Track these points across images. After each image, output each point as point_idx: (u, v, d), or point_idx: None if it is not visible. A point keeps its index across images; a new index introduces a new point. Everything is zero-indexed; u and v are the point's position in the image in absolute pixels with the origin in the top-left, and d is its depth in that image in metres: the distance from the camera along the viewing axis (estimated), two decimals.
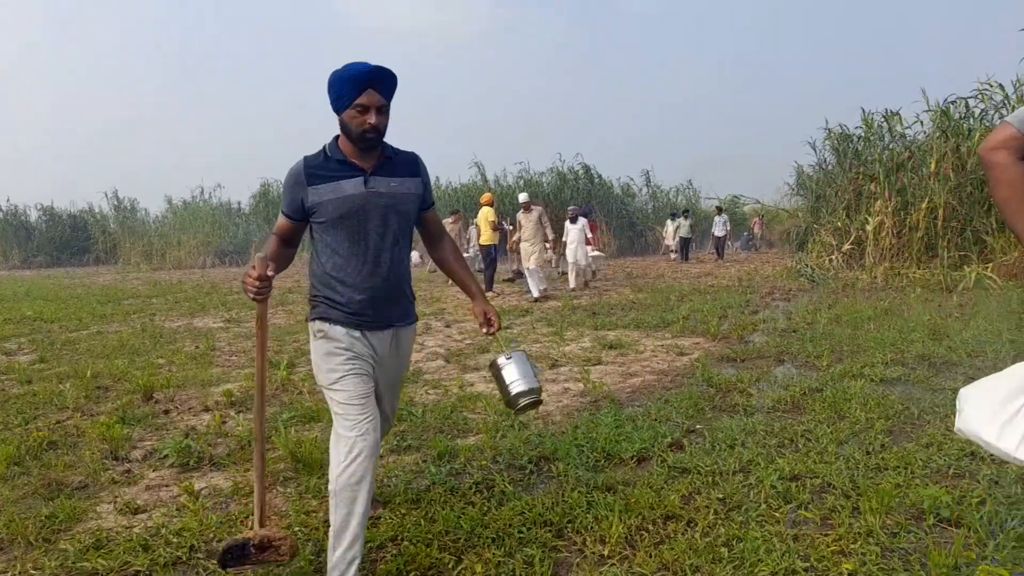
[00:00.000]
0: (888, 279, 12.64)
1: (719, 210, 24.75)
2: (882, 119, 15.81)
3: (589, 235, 14.86)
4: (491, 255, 13.56)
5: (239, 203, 35.11)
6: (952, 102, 14.71)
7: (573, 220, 13.68)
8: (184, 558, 2.68)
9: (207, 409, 5.02)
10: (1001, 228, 12.87)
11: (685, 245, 23.11)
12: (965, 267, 12.18)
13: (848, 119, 17.77)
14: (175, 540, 2.80)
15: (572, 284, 13.70)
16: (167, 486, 3.50)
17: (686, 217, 23.55)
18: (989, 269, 11.61)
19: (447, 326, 9.18)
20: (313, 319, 2.44)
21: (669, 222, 25.00)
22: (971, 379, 4.95)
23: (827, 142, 17.58)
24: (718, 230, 23.98)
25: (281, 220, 2.46)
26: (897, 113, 15.67)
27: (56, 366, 6.81)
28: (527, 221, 12.65)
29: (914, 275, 12.62)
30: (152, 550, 2.74)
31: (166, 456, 3.85)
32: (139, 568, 2.59)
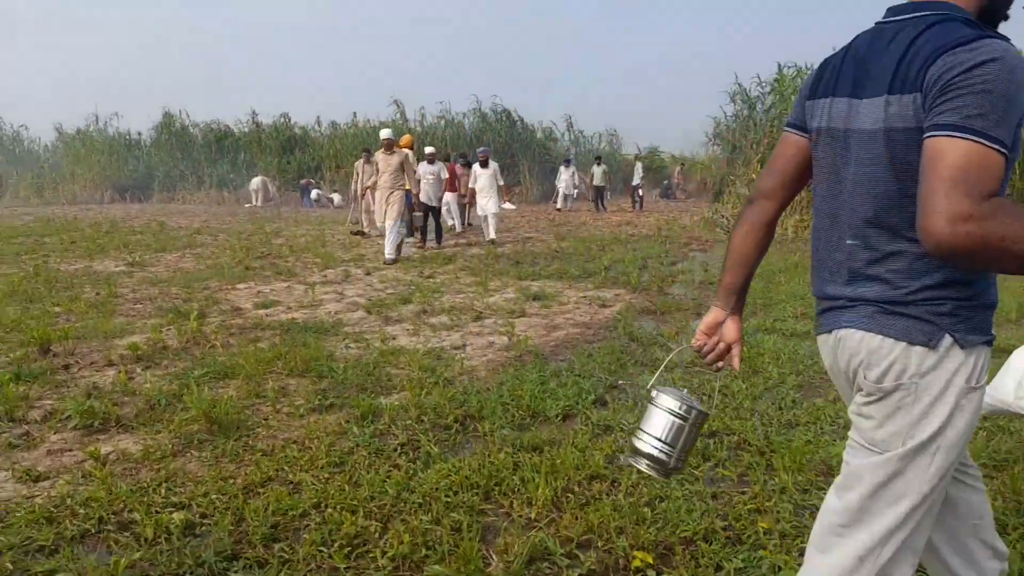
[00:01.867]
0: (798, 231, 13.16)
1: (636, 158, 24.81)
2: (795, 73, 16.20)
3: (501, 182, 14.32)
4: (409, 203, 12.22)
5: (139, 134, 32.87)
6: None
7: (484, 164, 13.04)
8: (93, 531, 2.53)
9: (111, 364, 4.74)
10: None
11: (600, 193, 22.42)
12: None
13: (768, 71, 18.13)
14: (82, 511, 2.64)
15: (492, 234, 12.59)
16: (71, 450, 3.30)
17: (598, 164, 22.56)
18: None
19: (367, 274, 8.98)
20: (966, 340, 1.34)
21: (563, 168, 22.25)
22: None
23: (738, 95, 17.93)
24: (636, 179, 23.83)
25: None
26: (810, 69, 16.06)
27: None
28: (386, 165, 9.77)
29: None
30: (57, 523, 2.58)
31: (68, 417, 3.61)
32: (43, 543, 2.44)
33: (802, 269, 8.54)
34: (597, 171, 22.21)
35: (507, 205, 14.38)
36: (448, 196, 13.53)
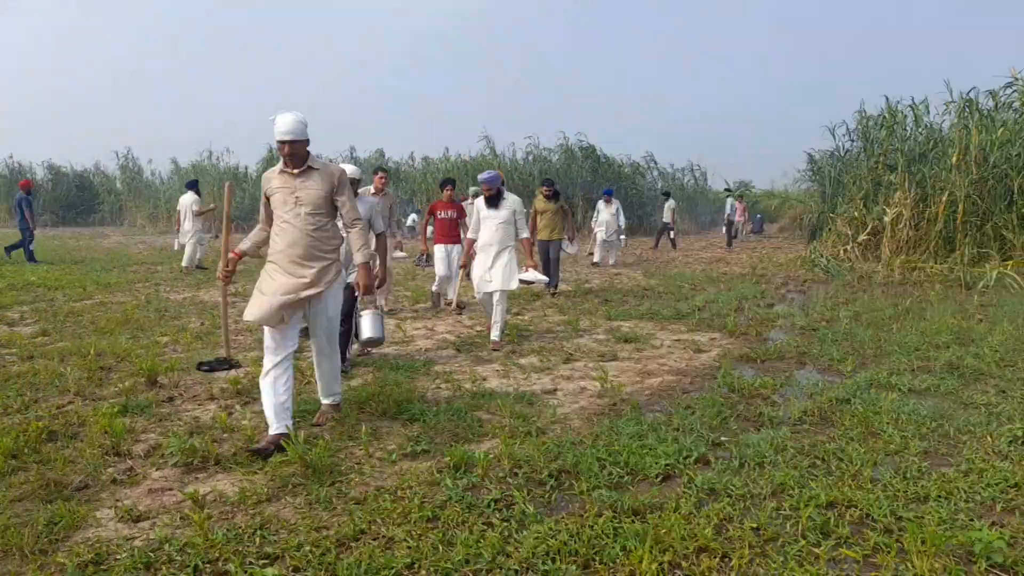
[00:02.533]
0: (905, 273, 12.39)
1: (729, 193, 23.82)
2: (908, 108, 15.41)
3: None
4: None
5: (247, 167, 34.72)
6: (979, 94, 14.30)
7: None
8: None
9: (212, 398, 4.86)
10: (1022, 224, 12.60)
11: (663, 230, 20.85)
12: (985, 263, 11.93)
13: (867, 108, 17.33)
14: (178, 558, 2.64)
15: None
16: (170, 489, 3.34)
17: (668, 198, 21.18)
18: (1010, 267, 11.35)
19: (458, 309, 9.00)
20: None
21: (601, 205, 15.63)
22: (1002, 392, 4.81)
23: (853, 127, 17.18)
24: (734, 214, 22.79)
25: None
26: (924, 102, 15.29)
27: (58, 340, 6.67)
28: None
29: (932, 269, 12.38)
30: (154, 568, 2.59)
31: (171, 453, 3.69)
32: None
33: (914, 316, 7.98)
34: (666, 207, 20.76)
35: (569, 248, 11.37)
36: (443, 252, 8.79)
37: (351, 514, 3.02)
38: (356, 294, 5.07)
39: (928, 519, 2.92)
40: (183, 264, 13.60)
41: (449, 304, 8.85)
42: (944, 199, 13.48)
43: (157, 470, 3.57)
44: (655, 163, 32.51)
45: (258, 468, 3.55)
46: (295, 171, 3.93)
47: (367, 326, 5.06)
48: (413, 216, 26.93)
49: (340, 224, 4.20)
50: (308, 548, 2.71)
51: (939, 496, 3.18)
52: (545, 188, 10.88)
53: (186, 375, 5.43)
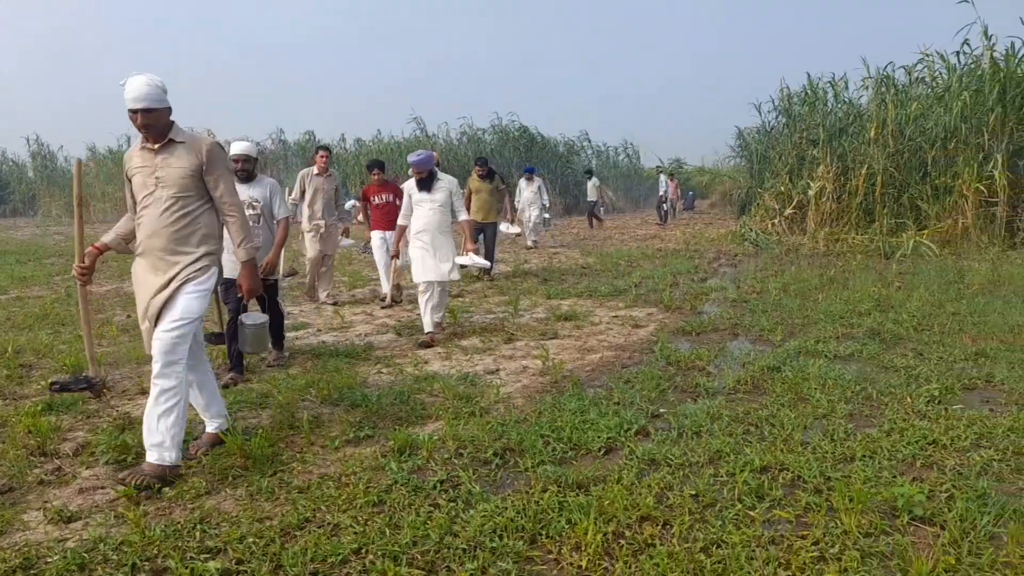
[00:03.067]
0: (829, 244, 12.91)
1: (660, 171, 24.03)
2: (828, 84, 15.95)
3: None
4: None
5: None
6: (894, 70, 14.93)
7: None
8: None
9: (144, 392, 4.68)
10: (936, 195, 13.28)
11: (592, 209, 20.70)
12: (902, 233, 12.53)
13: (789, 84, 17.82)
14: (115, 557, 2.56)
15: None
16: (103, 488, 3.22)
17: (590, 177, 21.02)
18: (925, 236, 11.96)
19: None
20: None
21: (523, 183, 15.29)
22: (920, 355, 5.09)
23: (774, 104, 17.68)
24: (662, 190, 23.09)
25: None
26: (844, 79, 15.84)
27: None
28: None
29: (854, 240, 12.93)
30: (89, 569, 2.50)
31: (100, 451, 3.55)
32: None
33: (838, 285, 8.34)
34: (589, 185, 20.69)
35: (511, 228, 11.20)
36: (379, 239, 8.13)
37: (294, 503, 2.97)
38: (240, 295, 4.08)
39: (855, 478, 3.07)
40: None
41: (383, 299, 8.13)
42: (863, 172, 14.07)
43: (87, 469, 3.44)
44: (589, 142, 32.80)
45: (194, 463, 3.46)
46: (155, 146, 3.29)
47: (246, 337, 4.16)
48: (352, 202, 26.39)
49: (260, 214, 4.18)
50: (251, 540, 2.66)
51: (864, 456, 3.35)
52: (478, 167, 10.28)
53: (113, 369, 5.22)
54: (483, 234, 10.00)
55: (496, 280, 9.97)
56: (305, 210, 7.97)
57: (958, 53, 13.54)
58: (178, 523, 2.82)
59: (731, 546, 2.52)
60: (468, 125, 30.23)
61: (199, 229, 3.37)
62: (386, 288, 8.18)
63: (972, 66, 13.40)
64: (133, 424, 4.01)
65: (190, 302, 3.28)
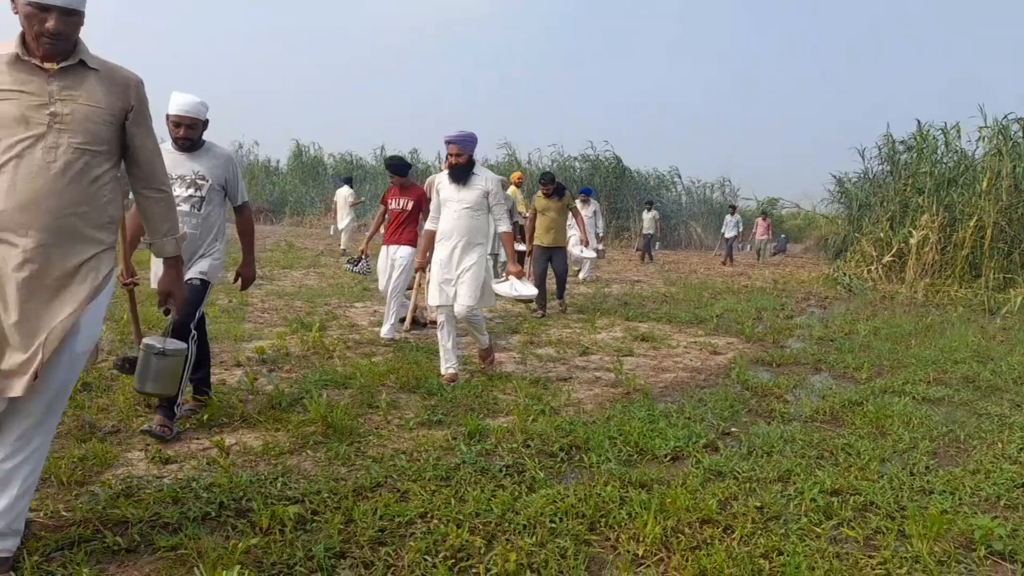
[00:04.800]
0: (928, 295, 12.32)
1: (733, 208, 22.08)
2: (939, 132, 15.33)
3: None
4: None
5: (277, 161, 35.30)
6: (1015, 120, 14.19)
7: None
8: (213, 514, 2.65)
9: (239, 364, 5.03)
10: None
11: (648, 242, 19.94)
12: (1010, 290, 11.83)
13: (895, 130, 17.14)
14: (205, 495, 2.78)
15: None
16: (198, 439, 3.49)
17: (649, 209, 20.09)
18: None
19: None
20: None
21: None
22: (1017, 406, 4.82)
23: (879, 150, 17.11)
24: (729, 231, 21.08)
25: None
26: (956, 126, 15.19)
27: None
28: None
29: (956, 294, 12.29)
30: (182, 503, 2.72)
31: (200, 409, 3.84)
32: (168, 519, 2.57)
33: (934, 333, 7.97)
34: (647, 217, 19.83)
35: (585, 252, 10.27)
36: (405, 252, 6.25)
37: (368, 469, 3.14)
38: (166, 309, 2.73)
39: (932, 509, 2.97)
40: (341, 247, 15.78)
41: (403, 323, 6.58)
42: (972, 224, 13.38)
43: (187, 424, 3.72)
44: (679, 177, 32.49)
45: (281, 427, 3.69)
46: (54, 65, 2.13)
47: (151, 369, 2.88)
48: None
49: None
50: (327, 495, 2.83)
51: (944, 491, 3.22)
52: (544, 184, 8.81)
53: (214, 343, 5.59)
54: (551, 260, 8.66)
55: (567, 312, 8.68)
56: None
57: None
58: (262, 474, 3.03)
59: (793, 555, 2.50)
60: (559, 152, 30.54)
61: (108, 205, 2.25)
62: (392, 316, 6.28)
63: None
64: (228, 391, 4.31)
65: (93, 322, 2.25)
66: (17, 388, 2.01)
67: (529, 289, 4.99)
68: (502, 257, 9.00)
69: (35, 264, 2.06)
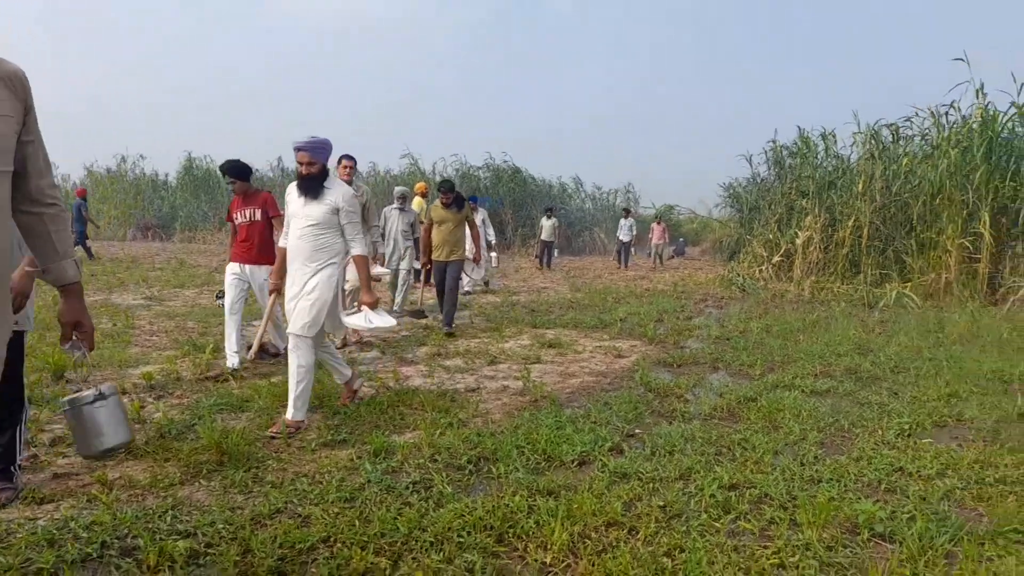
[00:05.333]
0: (815, 292, 13.08)
1: (627, 212, 21.98)
2: (819, 138, 16.36)
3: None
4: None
5: (166, 175, 33.58)
6: (884, 126, 15.33)
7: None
8: (95, 555, 2.47)
9: (124, 392, 4.71)
10: (920, 249, 13.53)
11: (546, 249, 19.62)
12: (886, 284, 12.73)
13: (781, 137, 18.10)
14: (84, 535, 2.58)
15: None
16: (77, 475, 3.25)
17: (548, 217, 19.59)
18: (908, 288, 12.15)
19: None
20: None
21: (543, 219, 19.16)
22: (894, 394, 5.17)
23: (766, 155, 18.06)
24: (623, 234, 21.06)
25: None
26: (832, 133, 16.26)
27: None
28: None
29: (838, 290, 13.10)
30: (59, 545, 2.52)
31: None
32: (43, 565, 2.37)
33: (820, 329, 8.45)
34: (546, 224, 19.43)
35: (475, 272, 9.93)
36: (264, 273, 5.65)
37: (267, 495, 3.01)
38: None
39: (820, 497, 3.13)
40: None
41: (244, 359, 5.58)
42: (850, 224, 14.34)
43: (63, 458, 3.46)
44: (581, 185, 33.24)
45: (171, 456, 3.48)
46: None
47: (96, 424, 2.56)
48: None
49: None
50: (221, 525, 2.69)
51: (831, 478, 3.41)
52: (443, 193, 7.97)
53: (96, 371, 5.24)
54: (444, 274, 7.85)
55: (456, 332, 7.69)
56: None
57: (946, 112, 13.95)
58: (150, 508, 2.85)
59: (694, 551, 2.57)
60: (462, 162, 30.57)
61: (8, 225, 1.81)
62: (235, 346, 5.53)
63: (960, 125, 13.80)
64: None
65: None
66: None
67: (386, 320, 4.24)
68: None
69: None
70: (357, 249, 4.23)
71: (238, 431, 3.70)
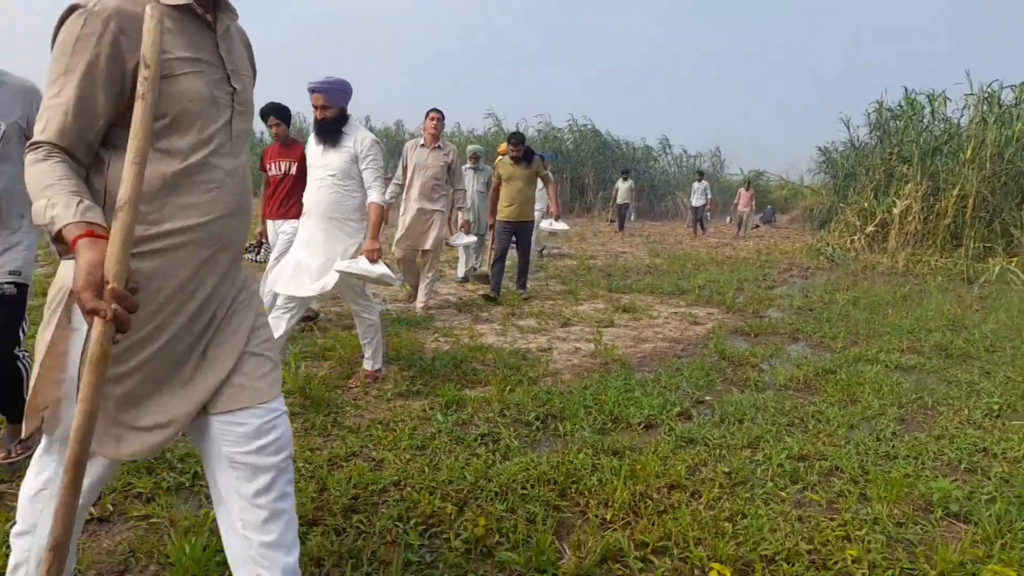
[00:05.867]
0: (910, 265, 12.44)
1: (700, 175, 21.04)
2: (926, 100, 15.33)
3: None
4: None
5: None
6: (1001, 87, 14.21)
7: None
8: (187, 484, 2.69)
9: None
10: None
11: (623, 212, 19.61)
12: (989, 259, 11.97)
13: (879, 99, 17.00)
14: (179, 466, 2.81)
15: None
16: None
17: (625, 179, 19.53)
18: (1014, 263, 11.38)
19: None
20: None
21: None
22: (986, 373, 4.92)
23: (868, 117, 17.04)
24: (696, 199, 20.31)
25: None
26: (943, 94, 15.19)
27: None
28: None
29: (936, 263, 12.42)
30: (156, 473, 2.75)
31: None
32: (142, 490, 2.61)
33: (912, 303, 8.07)
34: (622, 187, 19.31)
35: (555, 225, 8.38)
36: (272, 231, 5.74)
37: (344, 439, 3.18)
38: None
39: (894, 473, 3.05)
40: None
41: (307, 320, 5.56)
42: (955, 193, 13.47)
43: None
44: (669, 148, 32.42)
45: None
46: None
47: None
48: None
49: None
50: (301, 463, 2.87)
51: (907, 455, 3.31)
52: (512, 146, 7.28)
53: None
54: (516, 236, 7.44)
55: (529, 298, 7.47)
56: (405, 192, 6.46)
57: None
58: None
59: (756, 517, 2.57)
60: (546, 123, 30.31)
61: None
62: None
63: None
64: None
65: None
66: None
67: (381, 269, 3.79)
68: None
69: None
70: (373, 196, 3.89)
71: (320, 378, 3.91)
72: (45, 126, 1.35)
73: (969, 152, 13.62)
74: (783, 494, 2.83)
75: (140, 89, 1.29)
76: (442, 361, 4.54)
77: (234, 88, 1.55)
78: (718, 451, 3.25)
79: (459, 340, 5.32)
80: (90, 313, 1.18)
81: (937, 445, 3.44)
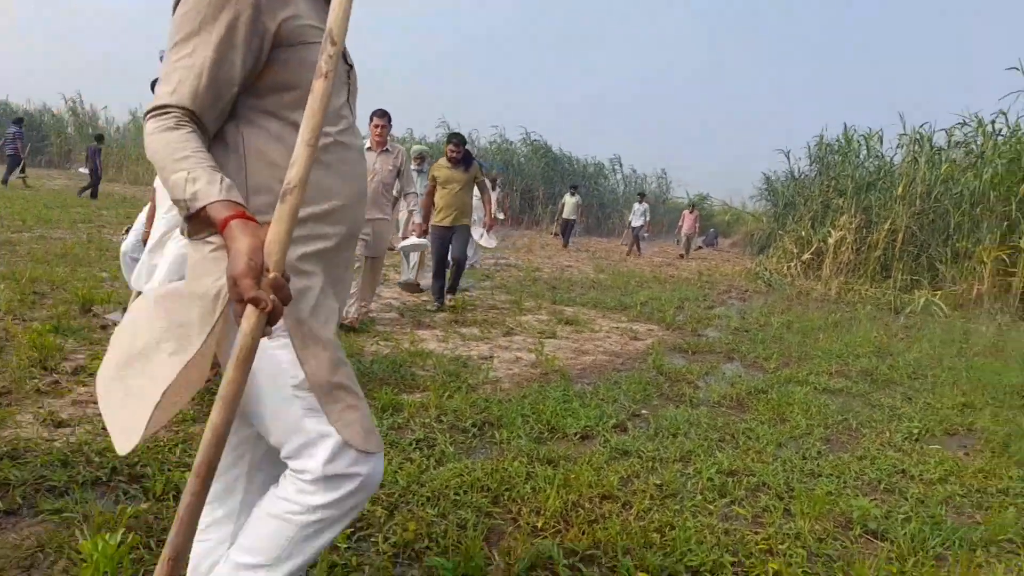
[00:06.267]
0: (841, 293, 12.91)
1: (641, 196, 20.53)
2: (862, 137, 16.02)
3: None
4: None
5: None
6: (931, 130, 14.96)
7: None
8: (104, 479, 2.57)
9: None
10: (954, 258, 13.27)
11: (568, 227, 19.26)
12: (915, 291, 12.53)
13: (820, 133, 17.76)
14: (97, 460, 2.69)
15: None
16: (95, 403, 3.36)
17: (572, 194, 19.22)
18: (938, 296, 11.94)
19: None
20: None
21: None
22: (908, 399, 5.13)
23: (809, 150, 17.73)
24: (636, 219, 19.80)
25: None
26: (879, 133, 15.91)
27: None
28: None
29: (866, 292, 12.92)
30: (71, 467, 2.62)
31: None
32: (55, 483, 2.48)
33: (842, 329, 8.37)
34: (570, 201, 19.01)
35: (485, 240, 8.98)
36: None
37: None
38: None
39: (818, 490, 3.14)
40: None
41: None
42: (886, 227, 14.09)
43: (83, 387, 3.58)
44: (620, 166, 32.97)
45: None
46: None
47: None
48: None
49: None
50: None
51: (831, 474, 3.41)
52: (452, 147, 7.03)
53: (121, 307, 5.38)
54: (449, 242, 7.15)
55: (456, 306, 7.20)
56: None
57: (993, 121, 13.57)
58: (161, 440, 2.95)
59: (684, 529, 2.60)
60: (500, 135, 30.45)
61: None
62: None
63: (1009, 135, 13.42)
64: None
65: None
66: None
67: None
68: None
69: None
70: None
71: None
72: (176, 87, 1.22)
73: (900, 189, 14.28)
74: (711, 507, 2.88)
75: (325, 67, 1.17)
76: (380, 365, 4.48)
77: (349, 65, 1.50)
78: (651, 463, 3.29)
79: (399, 345, 5.26)
80: (249, 302, 1.07)
81: (859, 465, 3.56)
